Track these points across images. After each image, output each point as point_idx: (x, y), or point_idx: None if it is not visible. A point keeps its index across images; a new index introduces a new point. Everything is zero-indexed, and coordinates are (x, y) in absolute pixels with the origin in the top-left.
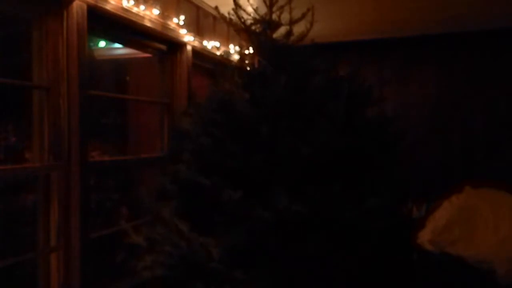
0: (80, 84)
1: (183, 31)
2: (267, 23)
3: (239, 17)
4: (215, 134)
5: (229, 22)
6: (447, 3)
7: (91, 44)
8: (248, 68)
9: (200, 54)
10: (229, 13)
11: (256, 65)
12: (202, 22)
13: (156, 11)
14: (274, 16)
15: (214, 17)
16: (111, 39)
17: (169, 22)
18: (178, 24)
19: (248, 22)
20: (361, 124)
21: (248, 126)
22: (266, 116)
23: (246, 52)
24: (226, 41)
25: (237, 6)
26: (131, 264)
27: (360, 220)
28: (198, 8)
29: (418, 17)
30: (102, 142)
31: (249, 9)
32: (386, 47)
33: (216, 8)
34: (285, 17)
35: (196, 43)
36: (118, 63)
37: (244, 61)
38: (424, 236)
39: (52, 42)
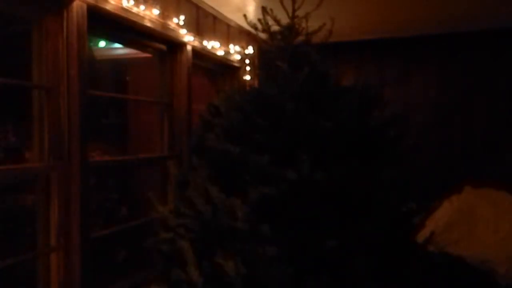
0: (80, 84)
1: (183, 31)
2: (289, 31)
3: (266, 23)
4: (244, 109)
5: (253, 26)
6: (447, 3)
7: (91, 44)
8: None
9: (200, 54)
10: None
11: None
12: (202, 22)
13: (156, 11)
14: (296, 25)
15: (214, 17)
16: (111, 39)
17: (169, 22)
18: (178, 24)
19: (273, 28)
20: (371, 121)
21: (274, 102)
22: (291, 97)
23: (247, 52)
24: (226, 41)
25: (265, 13)
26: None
27: (374, 191)
28: (198, 8)
29: (418, 17)
30: (102, 142)
31: (269, 19)
32: (386, 47)
33: (245, 15)
34: (303, 24)
35: (196, 43)
36: (118, 63)
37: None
38: (424, 236)
39: (52, 42)
